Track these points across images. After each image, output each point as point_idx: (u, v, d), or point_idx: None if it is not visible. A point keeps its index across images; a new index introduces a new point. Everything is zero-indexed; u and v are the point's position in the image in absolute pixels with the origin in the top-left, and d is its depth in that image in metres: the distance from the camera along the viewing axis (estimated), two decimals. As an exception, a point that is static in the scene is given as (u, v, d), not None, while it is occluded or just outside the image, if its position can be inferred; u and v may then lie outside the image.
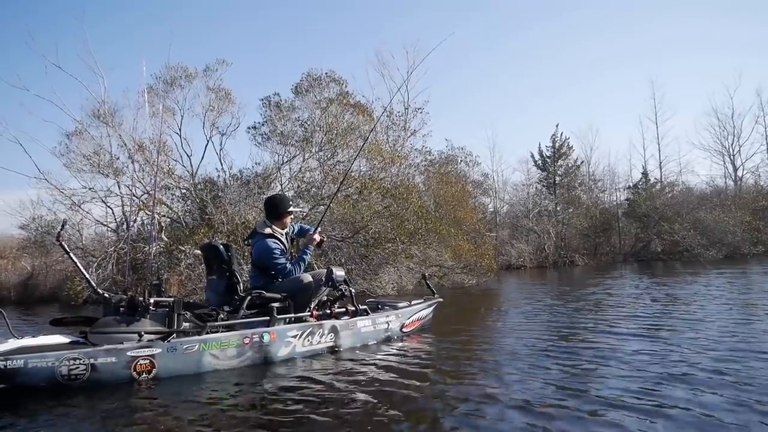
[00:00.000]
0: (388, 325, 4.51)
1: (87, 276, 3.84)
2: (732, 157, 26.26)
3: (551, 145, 22.76)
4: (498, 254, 15.69)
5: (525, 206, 21.55)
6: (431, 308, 5.05)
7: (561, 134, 22.75)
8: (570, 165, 22.89)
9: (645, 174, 23.85)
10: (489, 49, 45.07)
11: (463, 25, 39.64)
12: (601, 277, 11.94)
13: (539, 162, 23.07)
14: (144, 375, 3.22)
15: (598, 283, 10.23)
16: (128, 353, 3.19)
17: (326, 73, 12.41)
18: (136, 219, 10.55)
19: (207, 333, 3.52)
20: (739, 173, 26.11)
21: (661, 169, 24.90)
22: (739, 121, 26.10)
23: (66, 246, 3.54)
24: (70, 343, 3.30)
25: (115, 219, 11.15)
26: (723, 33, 40.40)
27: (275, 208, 4.33)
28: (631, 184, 23.68)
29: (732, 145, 26.23)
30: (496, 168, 22.88)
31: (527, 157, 23.64)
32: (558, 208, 21.13)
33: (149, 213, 9.81)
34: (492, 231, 17.32)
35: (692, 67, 41.42)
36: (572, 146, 22.98)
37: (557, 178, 22.32)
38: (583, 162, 23.85)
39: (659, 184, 23.36)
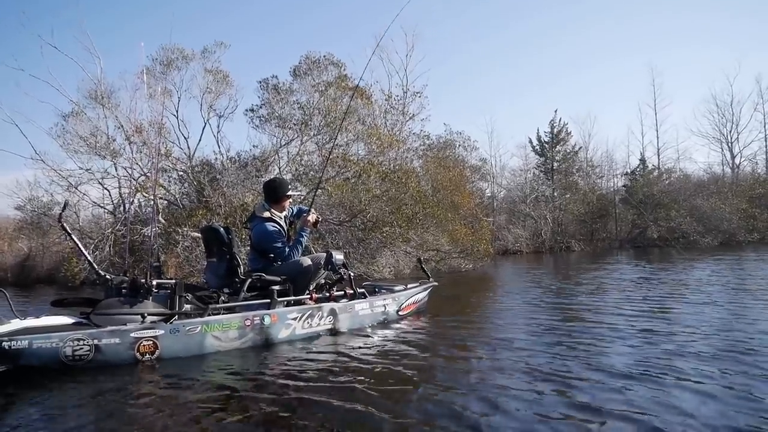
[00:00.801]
0: (385, 308, 4.58)
1: (89, 257, 3.85)
2: (730, 144, 26.36)
3: (549, 130, 22.71)
4: (495, 239, 15.80)
5: (522, 191, 21.62)
6: (426, 292, 5.13)
7: (559, 120, 22.73)
8: (568, 151, 22.89)
9: (643, 160, 23.92)
10: (490, 36, 44.70)
11: (465, 12, 39.17)
12: (597, 262, 12.05)
13: (537, 147, 23.04)
14: (147, 356, 3.26)
15: (595, 267, 10.33)
16: (132, 334, 3.23)
17: (324, 56, 12.31)
18: (133, 201, 10.54)
19: (209, 315, 3.57)
20: (737, 161, 26.27)
21: (658, 155, 25.01)
22: (738, 109, 26.14)
23: (67, 227, 3.55)
24: (74, 324, 3.32)
25: (112, 201, 11.18)
26: (723, 23, 40.13)
27: (274, 192, 4.34)
28: (628, 171, 23.78)
29: (730, 132, 26.32)
30: (494, 153, 22.93)
31: (525, 143, 23.64)
32: (555, 194, 21.19)
33: (146, 195, 9.80)
34: (489, 216, 17.39)
35: (692, 57, 41.23)
36: (570, 132, 22.99)
37: (555, 164, 22.33)
38: (581, 148, 23.89)
39: (657, 170, 23.42)
